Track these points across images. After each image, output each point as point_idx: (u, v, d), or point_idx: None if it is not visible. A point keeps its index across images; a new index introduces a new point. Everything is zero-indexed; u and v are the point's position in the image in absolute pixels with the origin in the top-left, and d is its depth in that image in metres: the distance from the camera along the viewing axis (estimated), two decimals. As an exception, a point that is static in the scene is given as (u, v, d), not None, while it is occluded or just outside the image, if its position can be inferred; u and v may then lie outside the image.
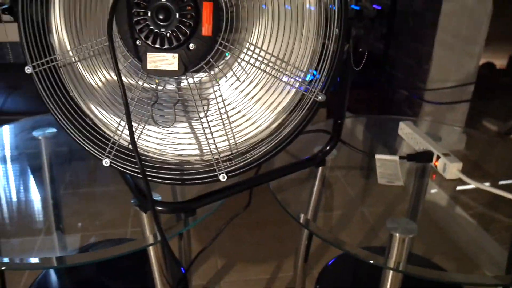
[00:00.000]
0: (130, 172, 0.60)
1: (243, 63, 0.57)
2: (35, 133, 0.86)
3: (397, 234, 0.59)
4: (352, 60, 0.60)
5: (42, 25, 0.61)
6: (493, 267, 0.67)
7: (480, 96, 1.84)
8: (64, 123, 0.62)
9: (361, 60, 0.59)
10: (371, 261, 0.61)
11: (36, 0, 0.60)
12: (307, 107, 0.56)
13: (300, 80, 0.57)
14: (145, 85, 0.59)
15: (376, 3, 2.01)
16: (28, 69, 0.61)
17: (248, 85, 0.59)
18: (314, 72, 0.57)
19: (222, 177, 0.58)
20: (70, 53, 0.60)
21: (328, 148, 0.73)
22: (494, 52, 2.88)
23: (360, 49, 0.58)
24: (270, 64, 0.56)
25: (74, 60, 0.61)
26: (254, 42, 0.57)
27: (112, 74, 0.60)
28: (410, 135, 0.87)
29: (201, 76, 0.59)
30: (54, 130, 0.86)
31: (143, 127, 0.61)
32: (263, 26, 0.56)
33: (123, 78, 0.59)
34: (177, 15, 0.54)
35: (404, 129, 0.89)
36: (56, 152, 0.85)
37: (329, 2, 0.54)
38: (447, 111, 1.76)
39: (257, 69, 0.57)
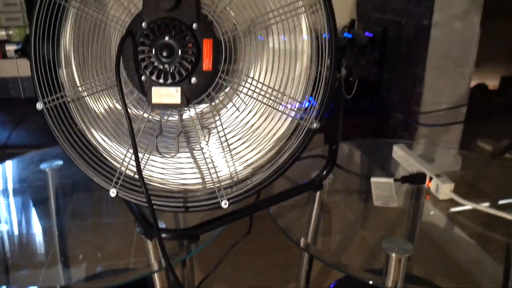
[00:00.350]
0: (136, 202, 0.63)
1: (241, 95, 0.61)
2: (43, 166, 0.89)
3: (393, 254, 0.61)
4: (343, 89, 0.64)
5: (52, 63, 0.65)
6: (491, 286, 0.69)
7: (474, 116, 1.89)
8: (73, 155, 0.65)
9: (352, 88, 0.63)
10: (370, 281, 0.64)
11: (47, 40, 0.65)
12: (302, 134, 0.59)
13: (295, 109, 0.60)
14: (150, 117, 0.63)
15: (368, 30, 2.09)
16: (39, 106, 0.64)
17: (247, 114, 0.62)
18: (310, 98, 0.60)
19: (224, 204, 0.61)
20: (79, 88, 0.64)
21: (324, 173, 0.76)
22: (486, 74, 2.95)
23: (351, 78, 0.62)
24: (267, 95, 0.60)
25: (82, 95, 0.65)
26: (251, 75, 0.61)
27: (118, 106, 0.64)
28: (403, 157, 0.90)
29: (203, 107, 0.62)
30: (60, 162, 0.89)
31: (148, 157, 0.64)
32: (260, 57, 0.60)
33: (129, 110, 0.62)
34: (180, 52, 0.58)
35: (398, 152, 0.92)
36: (63, 184, 0.88)
37: (321, 30, 0.58)
38: (442, 132, 1.80)
39: (255, 100, 0.60)
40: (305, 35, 0.59)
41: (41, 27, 0.64)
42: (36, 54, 0.64)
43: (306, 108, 0.59)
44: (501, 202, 0.88)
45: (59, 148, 0.68)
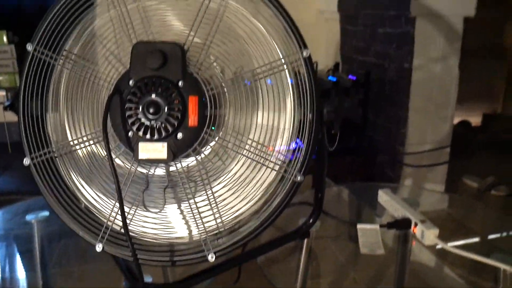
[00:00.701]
0: (122, 256, 0.62)
1: (226, 148, 0.62)
2: (28, 217, 0.88)
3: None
4: (326, 141, 0.65)
5: (40, 119, 0.66)
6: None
7: (458, 153, 1.92)
8: (59, 210, 0.65)
9: (334, 141, 0.64)
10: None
11: (36, 97, 0.66)
12: (287, 187, 0.60)
13: (279, 162, 0.61)
14: (137, 172, 0.63)
15: (351, 73, 2.14)
16: (26, 161, 0.65)
17: (233, 167, 0.63)
18: (298, 140, 0.61)
19: (211, 257, 0.61)
20: (67, 143, 0.65)
21: (311, 221, 0.76)
22: (468, 111, 3.03)
23: (333, 131, 0.64)
24: (252, 149, 0.61)
25: (70, 150, 0.65)
26: (236, 129, 0.62)
27: (106, 162, 0.65)
28: (388, 202, 0.91)
29: (189, 161, 0.64)
30: (46, 213, 0.88)
31: (135, 210, 0.65)
32: (244, 111, 0.62)
33: (118, 162, 0.63)
34: (166, 109, 0.59)
35: (383, 196, 0.93)
36: (49, 234, 0.87)
37: (304, 75, 0.59)
38: (427, 171, 1.83)
39: (240, 155, 0.62)
40: (291, 79, 0.61)
41: (30, 84, 0.65)
42: (25, 111, 0.66)
43: (290, 161, 0.61)
44: (490, 238, 0.89)
45: (45, 198, 0.68)
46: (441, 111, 1.75)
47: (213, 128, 0.61)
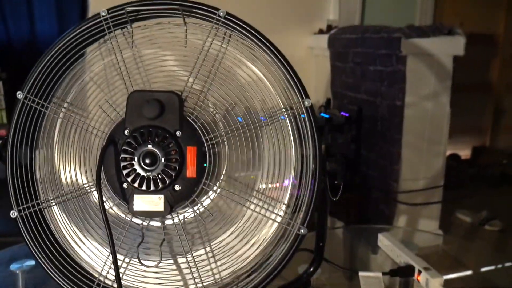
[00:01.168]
0: (114, 316, 0.59)
1: (227, 200, 0.60)
2: (13, 267, 0.84)
3: None
4: (328, 191, 0.63)
5: (29, 168, 0.63)
6: None
7: (449, 187, 1.91)
8: (48, 267, 0.61)
9: (338, 191, 0.62)
10: None
11: (25, 146, 0.63)
12: (290, 240, 0.58)
13: (281, 214, 0.59)
14: (131, 223, 0.60)
15: (343, 109, 2.14)
16: (13, 214, 0.61)
17: (233, 220, 0.61)
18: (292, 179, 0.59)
19: (210, 317, 0.58)
20: (57, 193, 0.62)
21: (312, 269, 0.73)
22: (458, 144, 3.06)
23: (336, 181, 0.62)
24: (255, 200, 0.59)
25: (63, 200, 0.62)
26: (235, 179, 0.60)
27: (98, 213, 0.61)
28: (389, 247, 0.89)
29: (186, 212, 0.61)
30: (32, 262, 0.84)
31: (128, 262, 0.61)
32: (245, 155, 0.59)
33: (112, 211, 0.60)
34: (163, 160, 0.57)
35: (383, 241, 0.91)
36: (35, 285, 0.82)
37: (298, 111, 0.57)
38: (421, 208, 1.81)
39: (241, 206, 0.59)
40: (283, 116, 0.59)
41: (19, 132, 0.63)
42: (13, 160, 0.63)
43: (293, 214, 0.58)
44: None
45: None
46: (434, 147, 1.76)
47: (205, 165, 0.58)
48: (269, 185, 0.58)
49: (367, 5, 2.49)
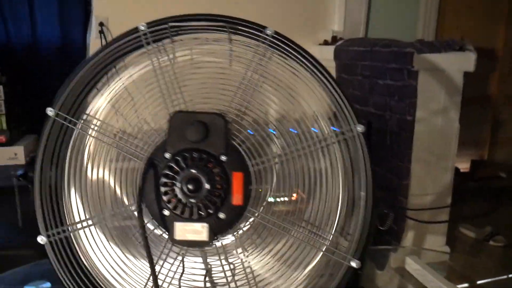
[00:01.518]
0: None
1: (268, 226, 0.57)
2: (27, 289, 0.79)
3: None
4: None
5: (60, 191, 0.60)
6: None
7: (454, 202, 1.90)
8: (78, 295, 0.57)
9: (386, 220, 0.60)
10: None
11: (53, 165, 0.59)
12: (338, 274, 0.55)
13: (327, 242, 0.56)
14: (170, 253, 0.57)
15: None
16: (42, 240, 0.58)
17: (274, 246, 0.58)
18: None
19: None
20: (89, 221, 0.58)
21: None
22: (457, 157, 3.07)
23: (385, 210, 0.59)
24: (296, 226, 0.56)
25: (93, 226, 0.58)
26: (280, 205, 0.57)
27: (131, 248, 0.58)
28: (418, 271, 0.87)
29: (228, 241, 0.57)
30: (48, 284, 0.80)
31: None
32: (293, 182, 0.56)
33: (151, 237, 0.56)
34: (207, 186, 0.54)
35: (412, 265, 0.89)
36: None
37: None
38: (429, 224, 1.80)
39: (286, 233, 0.56)
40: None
41: (47, 152, 0.59)
42: (41, 181, 0.59)
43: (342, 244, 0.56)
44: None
45: (45, 265, 0.60)
46: (442, 162, 1.74)
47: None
48: (320, 214, 0.56)
49: (371, 17, 2.48)
